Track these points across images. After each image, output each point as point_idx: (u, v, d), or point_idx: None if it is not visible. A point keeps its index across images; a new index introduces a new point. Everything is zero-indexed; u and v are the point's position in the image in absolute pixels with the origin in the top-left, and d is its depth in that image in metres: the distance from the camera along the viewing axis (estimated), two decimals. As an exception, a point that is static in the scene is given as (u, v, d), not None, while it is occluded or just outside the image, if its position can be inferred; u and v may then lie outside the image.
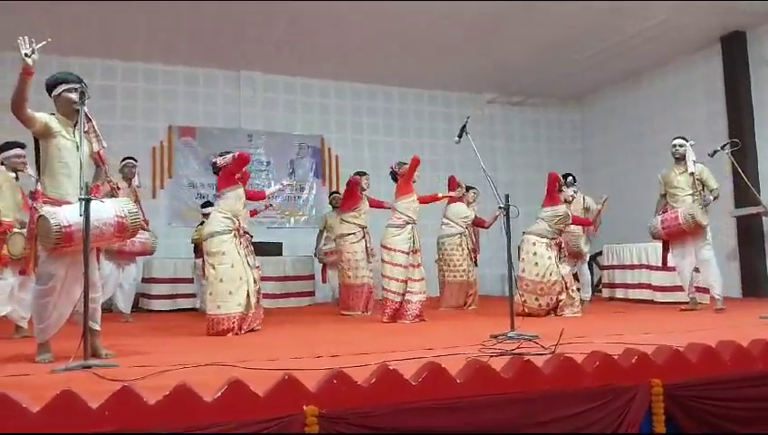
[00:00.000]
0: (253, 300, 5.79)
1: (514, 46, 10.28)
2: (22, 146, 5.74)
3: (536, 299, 6.80)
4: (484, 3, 8.65)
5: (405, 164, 7.01)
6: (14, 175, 5.75)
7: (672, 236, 7.16)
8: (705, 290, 7.59)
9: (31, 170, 5.68)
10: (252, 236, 7.19)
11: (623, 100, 12.36)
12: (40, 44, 3.78)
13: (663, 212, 7.20)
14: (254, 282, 5.86)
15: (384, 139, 12.15)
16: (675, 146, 7.17)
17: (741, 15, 9.32)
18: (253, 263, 5.96)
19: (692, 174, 6.99)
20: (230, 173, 5.95)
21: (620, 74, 11.82)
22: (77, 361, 3.55)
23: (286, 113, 11.52)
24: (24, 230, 5.45)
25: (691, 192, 7.00)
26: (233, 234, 5.84)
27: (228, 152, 6.11)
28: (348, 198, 8.05)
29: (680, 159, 7.11)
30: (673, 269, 7.57)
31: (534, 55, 10.60)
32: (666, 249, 7.34)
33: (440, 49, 10.37)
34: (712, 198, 6.94)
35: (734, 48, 9.92)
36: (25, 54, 3.70)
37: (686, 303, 7.36)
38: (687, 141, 7.13)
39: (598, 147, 13.07)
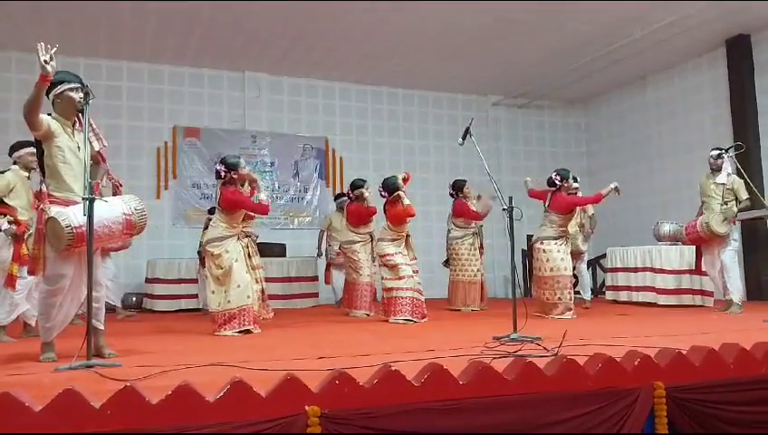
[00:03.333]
0: (255, 297, 5.92)
1: (520, 49, 10.27)
2: (35, 145, 5.78)
3: (555, 293, 6.99)
4: (490, 6, 8.65)
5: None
6: (26, 174, 5.77)
7: (694, 242, 7.43)
8: (710, 293, 7.60)
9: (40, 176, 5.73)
10: (257, 236, 7.20)
11: (629, 103, 12.35)
12: (52, 50, 3.79)
13: (697, 217, 7.33)
14: (256, 281, 5.96)
15: (388, 140, 12.15)
16: (712, 157, 7.28)
17: (746, 19, 9.30)
18: (257, 262, 6.06)
19: (723, 184, 7.12)
20: (240, 203, 5.93)
21: (626, 78, 11.80)
22: (80, 360, 3.56)
23: (291, 114, 11.54)
24: None
25: (721, 201, 7.12)
26: (234, 238, 5.94)
27: (234, 164, 5.92)
28: (355, 218, 8.02)
29: (716, 169, 7.24)
30: (682, 272, 7.62)
31: (540, 58, 10.59)
32: (698, 255, 7.53)
33: (445, 51, 10.37)
34: (736, 209, 7.08)
35: (738, 51, 9.91)
36: (44, 61, 3.70)
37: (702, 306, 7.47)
38: (727, 153, 7.22)
39: (603, 150, 13.06)
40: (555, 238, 7.11)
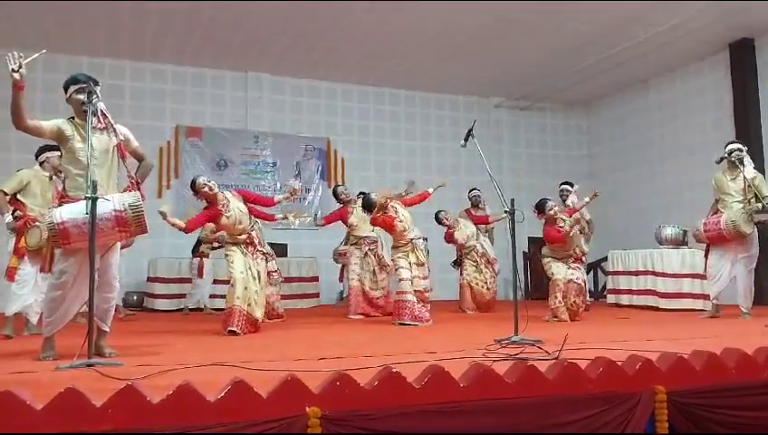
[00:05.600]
0: (255, 303, 5.88)
1: (522, 51, 10.27)
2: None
3: (554, 298, 6.99)
4: (492, 7, 8.65)
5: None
6: (46, 175, 5.88)
7: (714, 241, 7.02)
8: (706, 296, 7.58)
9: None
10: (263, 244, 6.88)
11: (631, 106, 12.34)
12: (29, 58, 3.80)
13: (712, 215, 7.07)
14: (258, 291, 5.93)
15: (390, 142, 12.15)
16: (733, 151, 6.91)
17: (749, 23, 9.29)
18: (262, 268, 6.06)
19: (745, 179, 6.78)
20: (197, 223, 6.13)
21: (628, 80, 11.79)
22: (81, 359, 3.56)
23: (293, 115, 11.54)
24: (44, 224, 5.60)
25: (741, 199, 6.82)
26: (239, 247, 6.04)
27: (192, 183, 6.17)
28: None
29: (734, 164, 6.86)
30: (685, 276, 7.74)
31: (542, 60, 10.59)
32: (708, 257, 7.20)
33: (448, 52, 10.37)
34: (760, 205, 6.70)
35: (742, 55, 9.90)
36: (12, 70, 3.72)
37: (703, 311, 7.47)
38: (730, 156, 6.92)
39: (605, 153, 13.05)
40: (551, 257, 7.20)
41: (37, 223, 5.57)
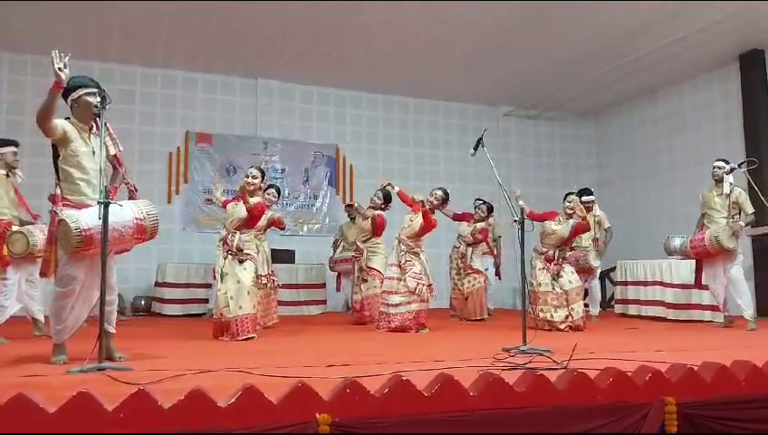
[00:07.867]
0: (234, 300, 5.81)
1: (532, 60, 10.28)
2: (16, 144, 5.82)
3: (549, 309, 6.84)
4: (501, 15, 8.67)
5: None
6: (3, 172, 5.68)
7: (700, 256, 7.25)
8: (714, 308, 7.58)
9: (20, 172, 5.80)
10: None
11: (640, 116, 12.33)
12: (66, 57, 3.84)
13: (699, 231, 7.26)
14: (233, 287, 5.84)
15: (399, 149, 12.17)
16: (715, 167, 7.19)
17: (759, 34, 9.28)
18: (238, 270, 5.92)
19: (728, 196, 7.01)
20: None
21: (637, 91, 11.79)
22: (92, 363, 3.58)
23: (302, 122, 11.58)
24: (24, 228, 5.51)
25: (725, 214, 7.03)
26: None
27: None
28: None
29: (719, 180, 7.11)
30: (692, 287, 7.76)
31: (551, 69, 10.59)
32: (699, 269, 7.40)
33: (457, 61, 10.39)
34: (743, 223, 6.98)
35: (752, 67, 9.88)
36: (59, 69, 3.75)
37: (712, 321, 7.53)
38: (728, 164, 7.13)
39: (613, 163, 13.03)
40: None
41: (18, 229, 5.47)
